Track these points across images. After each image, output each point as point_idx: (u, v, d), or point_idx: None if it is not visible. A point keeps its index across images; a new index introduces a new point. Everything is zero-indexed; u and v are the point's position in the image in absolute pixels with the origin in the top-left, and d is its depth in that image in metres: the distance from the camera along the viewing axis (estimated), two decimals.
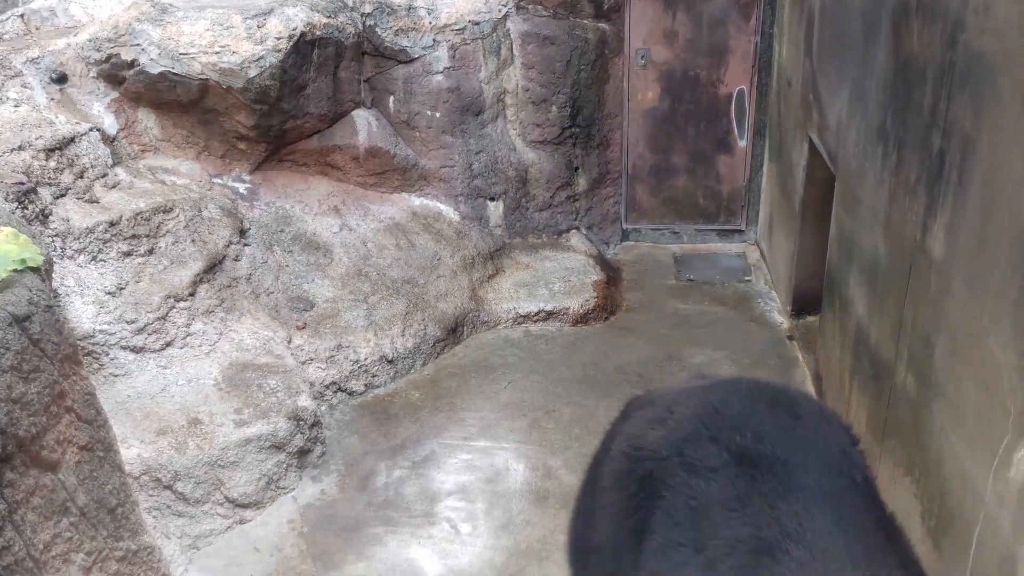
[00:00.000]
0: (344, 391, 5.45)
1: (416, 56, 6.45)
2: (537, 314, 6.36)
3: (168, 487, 4.34)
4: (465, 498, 4.67)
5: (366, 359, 5.56)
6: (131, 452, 4.29)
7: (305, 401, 4.91)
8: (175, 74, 5.68)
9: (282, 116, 6.01)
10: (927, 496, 3.44)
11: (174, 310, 4.98)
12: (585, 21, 6.84)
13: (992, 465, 2.85)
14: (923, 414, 3.47)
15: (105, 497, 3.32)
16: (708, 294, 6.74)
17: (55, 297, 3.37)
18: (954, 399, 3.17)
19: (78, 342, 4.22)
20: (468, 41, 6.54)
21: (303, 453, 4.81)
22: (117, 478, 3.45)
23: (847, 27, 4.65)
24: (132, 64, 5.68)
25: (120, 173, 5.46)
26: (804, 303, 6.07)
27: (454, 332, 6.10)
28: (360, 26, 6.29)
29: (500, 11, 6.66)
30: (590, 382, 5.63)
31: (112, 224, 4.95)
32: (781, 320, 6.30)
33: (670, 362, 5.82)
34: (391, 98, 6.55)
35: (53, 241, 4.70)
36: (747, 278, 6.95)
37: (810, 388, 5.45)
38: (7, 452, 2.71)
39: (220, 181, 6.07)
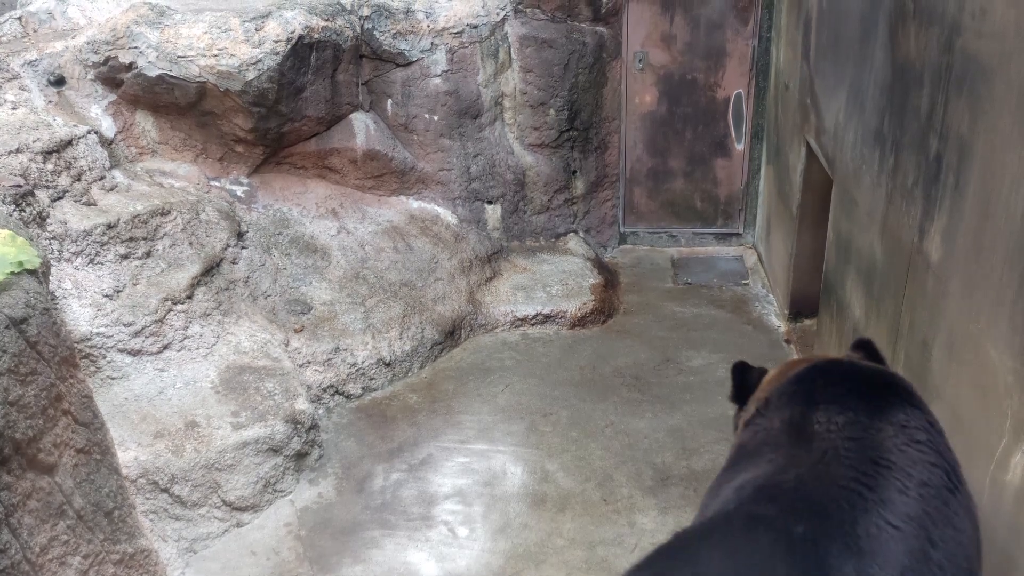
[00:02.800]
0: (341, 394, 5.45)
1: (414, 59, 6.46)
2: (535, 317, 6.36)
3: (165, 490, 4.33)
4: (462, 501, 4.66)
5: (363, 362, 5.56)
6: (128, 455, 4.28)
7: (302, 404, 4.91)
8: (173, 77, 5.69)
9: (280, 119, 6.01)
10: None
11: (171, 313, 4.97)
12: (583, 24, 6.85)
13: (989, 468, 2.85)
14: None
15: (102, 500, 3.32)
16: (705, 297, 6.75)
17: (52, 300, 3.37)
18: (951, 402, 3.17)
19: (75, 345, 4.21)
20: (466, 44, 6.55)
21: (300, 456, 4.81)
22: (114, 481, 3.44)
23: (844, 31, 4.66)
24: (130, 67, 5.69)
25: (118, 176, 5.46)
26: (802, 306, 6.07)
27: (452, 335, 6.10)
28: (358, 29, 6.29)
29: (498, 14, 6.67)
30: (587, 385, 5.63)
31: (110, 227, 4.95)
32: (778, 323, 6.31)
33: (667, 365, 5.82)
34: (389, 101, 6.55)
35: (50, 244, 4.70)
36: (744, 281, 6.96)
37: None
38: (4, 455, 2.71)
39: (218, 184, 6.07)
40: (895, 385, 2.43)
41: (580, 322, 6.35)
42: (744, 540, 2.01)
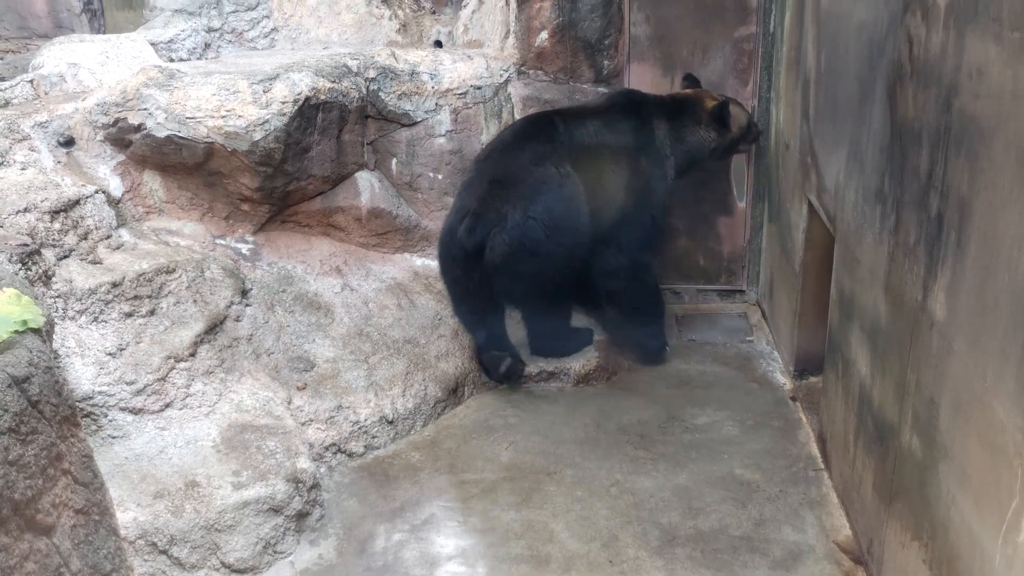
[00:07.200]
0: (344, 452, 5.40)
1: (419, 119, 6.56)
2: (539, 374, 6.33)
3: (164, 552, 4.27)
4: (465, 563, 4.59)
5: (366, 420, 5.52)
6: (127, 515, 4.23)
7: (304, 463, 4.86)
8: (181, 137, 5.77)
9: (286, 178, 6.08)
10: (935, 561, 3.38)
11: (174, 371, 4.96)
12: (585, 85, 6.96)
13: (1001, 529, 2.81)
14: (929, 476, 3.43)
15: (100, 562, 3.27)
16: (710, 354, 6.72)
17: (55, 358, 3.37)
18: (960, 461, 3.14)
19: (77, 403, 4.20)
20: (470, 105, 6.65)
21: (301, 516, 4.74)
22: (112, 543, 3.40)
23: (843, 92, 4.73)
24: (139, 128, 5.78)
25: (124, 234, 5.51)
26: (806, 364, 6.04)
27: (455, 392, 6.07)
28: (364, 91, 6.40)
29: (502, 76, 6.78)
30: (592, 443, 5.58)
31: (115, 285, 4.97)
32: (783, 381, 6.27)
33: (672, 423, 5.77)
34: (394, 160, 6.63)
35: (55, 302, 4.71)
36: (749, 338, 6.94)
37: (814, 449, 5.40)
38: (2, 515, 2.68)
39: (223, 242, 6.12)
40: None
41: (584, 379, 6.32)
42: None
